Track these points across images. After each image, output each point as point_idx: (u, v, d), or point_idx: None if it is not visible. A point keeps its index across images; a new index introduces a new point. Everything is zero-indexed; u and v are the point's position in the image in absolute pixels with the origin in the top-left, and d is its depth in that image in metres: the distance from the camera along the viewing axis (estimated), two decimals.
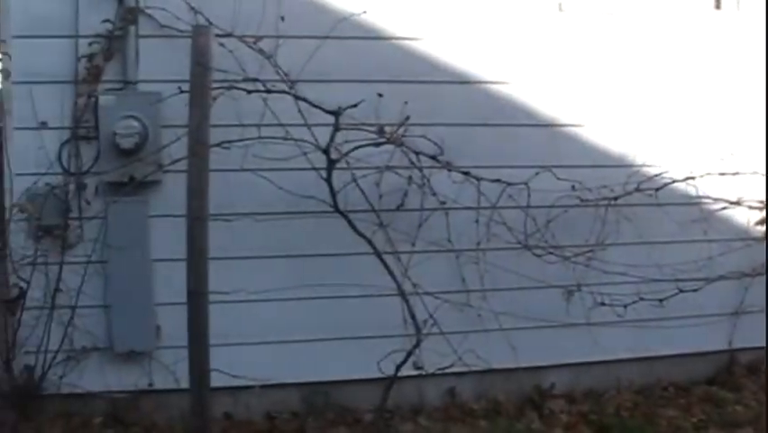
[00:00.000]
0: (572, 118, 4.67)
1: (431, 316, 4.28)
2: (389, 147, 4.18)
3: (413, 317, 4.18)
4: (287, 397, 4.44)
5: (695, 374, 4.99)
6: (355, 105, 4.00)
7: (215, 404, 3.88)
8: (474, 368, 4.42)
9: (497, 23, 4.57)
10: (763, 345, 4.87)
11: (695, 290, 4.71)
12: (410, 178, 4.31)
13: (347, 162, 4.11)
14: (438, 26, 4.47)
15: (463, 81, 4.50)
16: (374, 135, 4.11)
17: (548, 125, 4.64)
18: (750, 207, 4.93)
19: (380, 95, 4.20)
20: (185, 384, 3.43)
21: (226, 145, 3.88)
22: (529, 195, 4.40)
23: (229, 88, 3.93)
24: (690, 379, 4.96)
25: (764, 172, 4.82)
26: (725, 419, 4.48)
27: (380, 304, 4.27)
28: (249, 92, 4.02)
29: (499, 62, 4.56)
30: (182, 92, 3.49)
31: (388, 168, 4.24)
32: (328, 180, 4.09)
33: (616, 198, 4.57)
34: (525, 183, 4.40)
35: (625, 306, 4.62)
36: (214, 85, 3.54)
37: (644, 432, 4.27)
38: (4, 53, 4.13)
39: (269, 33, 4.11)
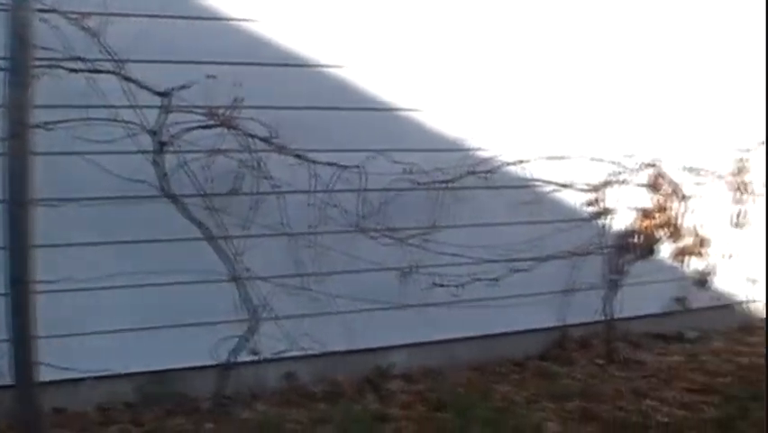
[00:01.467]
0: (408, 102, 4.83)
1: (266, 300, 4.38)
2: (221, 130, 4.23)
3: (247, 301, 4.28)
4: (121, 388, 4.40)
5: (529, 350, 5.29)
6: (185, 87, 4.04)
7: (46, 398, 3.82)
8: (312, 351, 4.53)
9: (333, 4, 4.68)
10: (593, 319, 5.22)
11: (526, 270, 5.00)
12: (242, 161, 4.35)
13: (178, 145, 4.14)
14: (273, 7, 4.52)
15: (298, 64, 4.57)
16: (205, 118, 4.15)
17: (384, 109, 4.78)
18: (579, 190, 5.23)
19: (212, 76, 4.20)
20: (10, 380, 3.44)
21: (50, 126, 3.84)
22: (364, 178, 4.53)
23: (52, 67, 3.86)
24: (524, 355, 5.27)
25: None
26: (556, 392, 4.76)
27: (215, 290, 4.33)
28: (73, 71, 3.96)
29: (335, 45, 4.67)
30: (1, 70, 3.43)
31: (220, 151, 4.27)
32: (158, 164, 4.11)
33: (450, 181, 4.77)
34: (360, 166, 4.53)
35: (460, 286, 4.84)
36: (37, 63, 3.49)
37: (479, 407, 4.47)
38: None
39: (97, 10, 4.03)
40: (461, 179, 4.81)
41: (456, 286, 4.84)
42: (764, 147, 5.61)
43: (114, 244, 4.28)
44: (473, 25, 5.00)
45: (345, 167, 4.52)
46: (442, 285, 4.82)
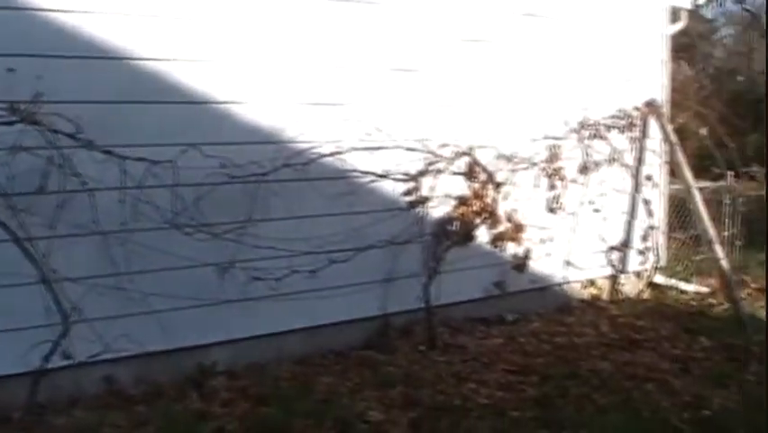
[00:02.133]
0: (222, 96, 4.86)
1: (78, 302, 4.33)
2: (24, 126, 4.13)
3: (58, 304, 4.20)
4: None
5: (352, 340, 5.41)
6: None
7: None
8: (130, 353, 4.50)
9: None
10: (414, 307, 5.42)
11: (345, 261, 5.12)
12: (48, 158, 4.25)
13: None
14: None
15: (107, 57, 4.52)
16: (5, 113, 4.05)
17: (197, 103, 4.79)
18: (395, 180, 5.39)
19: (12, 69, 4.13)
20: None
21: None
22: (177, 173, 4.51)
23: None
24: (347, 345, 5.38)
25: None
26: (379, 381, 4.89)
27: (23, 293, 4.24)
28: None
29: (147, 38, 4.64)
30: None
31: (23, 148, 4.16)
32: None
33: (265, 174, 4.81)
34: (172, 161, 4.51)
35: (279, 279, 4.91)
36: None
37: (301, 400, 4.55)
38: None
39: None
40: (277, 172, 4.85)
41: (275, 279, 4.90)
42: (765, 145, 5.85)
43: None
44: (286, 18, 5.08)
45: (157, 162, 4.49)
46: (261, 279, 4.86)
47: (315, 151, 5.05)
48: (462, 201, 5.75)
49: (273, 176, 4.84)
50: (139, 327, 4.52)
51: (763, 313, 6.60)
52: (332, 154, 5.10)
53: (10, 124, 4.08)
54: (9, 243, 4.15)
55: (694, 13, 7.22)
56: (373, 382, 4.89)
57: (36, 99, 4.10)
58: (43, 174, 4.27)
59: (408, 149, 5.37)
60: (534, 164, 6.26)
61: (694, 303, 7.06)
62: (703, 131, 7.62)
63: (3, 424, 4.23)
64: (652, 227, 7.08)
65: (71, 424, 4.26)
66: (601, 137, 6.63)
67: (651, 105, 6.93)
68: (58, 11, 4.39)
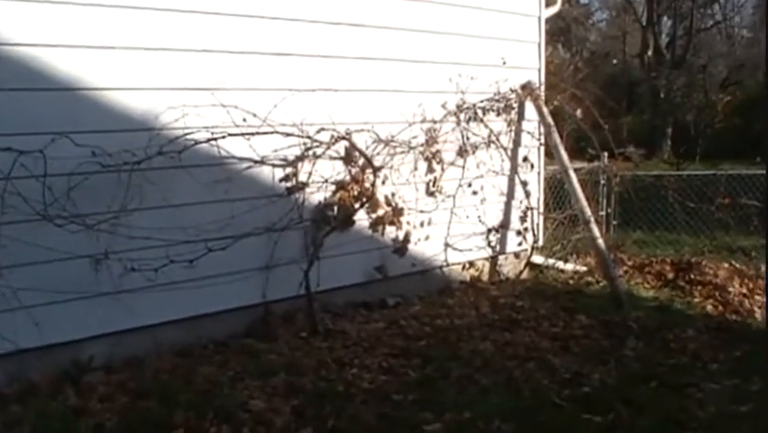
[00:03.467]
0: (92, 82, 4.84)
1: None
2: None
3: None
4: None
5: (234, 329, 5.49)
6: None
7: None
8: (2, 351, 4.48)
9: None
10: (295, 294, 5.54)
11: (224, 249, 5.19)
12: None
13: None
14: None
15: None
16: None
17: (66, 89, 4.75)
18: (273, 165, 5.50)
19: None
20: None
21: None
22: (46, 163, 4.49)
23: None
24: (228, 334, 5.45)
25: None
26: (260, 369, 4.97)
27: None
28: None
29: (9, 22, 4.57)
30: None
31: None
32: None
33: (138, 162, 4.83)
34: (41, 151, 4.48)
35: (156, 270, 4.94)
36: None
37: (182, 392, 4.59)
38: None
39: None
40: (151, 160, 4.88)
41: (152, 270, 4.93)
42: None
43: None
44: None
45: (25, 152, 4.46)
46: (137, 270, 4.89)
47: (190, 137, 5.09)
48: (341, 186, 5.90)
49: (147, 164, 4.86)
50: (10, 324, 4.49)
51: (639, 290, 6.99)
52: (207, 141, 5.15)
53: None
54: None
55: None
56: (255, 370, 4.96)
57: None
58: None
59: (285, 134, 5.48)
60: (413, 148, 6.44)
61: (572, 282, 7.42)
62: (578, 113, 7.95)
63: None
64: (529, 208, 7.38)
65: None
66: (479, 120, 6.87)
67: (527, 88, 7.24)
68: None
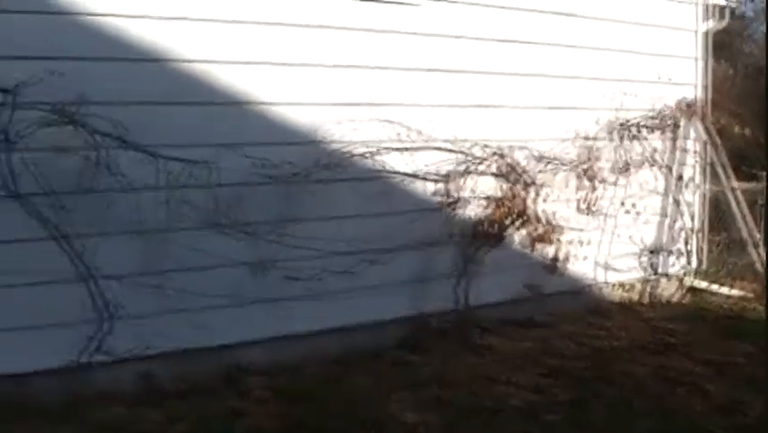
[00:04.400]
0: (259, 96, 5.08)
1: (119, 300, 4.57)
2: (68, 127, 4.38)
3: (100, 301, 4.47)
4: None
5: (386, 341, 5.61)
6: (30, 84, 4.20)
7: None
8: (168, 350, 4.73)
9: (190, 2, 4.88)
10: (449, 308, 5.63)
11: (379, 261, 5.35)
12: (91, 158, 4.49)
13: (24, 143, 4.28)
14: (123, 2, 4.69)
15: (147, 59, 4.74)
16: (52, 114, 4.30)
17: (235, 103, 5.01)
18: (428, 180, 5.62)
19: (57, 72, 4.34)
20: None
21: None
22: (216, 173, 4.75)
23: None
24: (382, 345, 5.57)
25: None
26: (412, 381, 5.06)
27: (66, 290, 4.48)
28: None
29: (186, 40, 4.87)
30: None
31: (67, 148, 4.41)
32: (3, 162, 4.25)
33: (301, 174, 5.05)
34: (212, 161, 4.74)
35: (315, 279, 5.14)
36: None
37: (335, 400, 4.74)
38: None
39: None
40: (313, 173, 5.09)
41: (311, 279, 5.13)
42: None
43: None
44: (322, 19, 5.31)
45: (196, 162, 4.72)
46: (296, 279, 5.09)
47: (349, 151, 5.28)
48: (495, 202, 5.95)
49: (309, 176, 5.08)
50: (176, 325, 4.74)
51: None
52: (366, 155, 5.33)
53: (56, 125, 4.33)
54: (52, 241, 4.39)
55: (730, 11, 7.35)
56: (406, 382, 5.04)
57: (80, 101, 4.35)
58: (86, 174, 4.51)
59: (441, 149, 5.59)
60: (568, 164, 6.43)
61: (731, 307, 7.16)
62: (741, 130, 7.73)
63: (42, 417, 4.43)
64: (689, 229, 7.21)
65: (109, 419, 4.46)
66: (636, 137, 6.78)
67: (688, 105, 7.08)
68: (100, 15, 4.63)
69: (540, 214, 6.29)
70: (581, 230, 6.59)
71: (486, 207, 5.95)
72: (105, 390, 4.69)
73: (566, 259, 6.51)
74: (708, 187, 7.47)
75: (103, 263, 4.54)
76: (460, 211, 5.82)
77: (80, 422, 4.41)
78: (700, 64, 7.33)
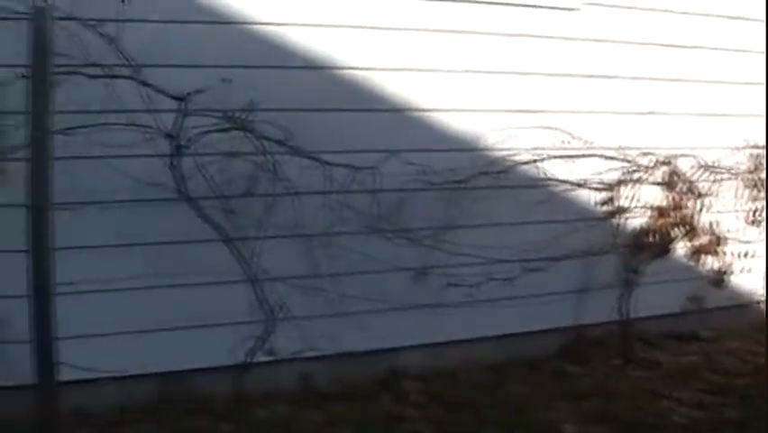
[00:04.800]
0: (423, 103, 5.05)
1: (282, 301, 4.62)
2: (237, 133, 4.46)
3: (264, 302, 4.53)
4: (141, 388, 4.61)
5: (544, 350, 5.50)
6: (201, 91, 4.28)
7: (66, 398, 4.06)
8: (328, 352, 4.75)
9: (348, 7, 4.90)
10: (609, 319, 5.44)
11: (540, 270, 5.22)
12: (258, 163, 4.56)
13: (195, 149, 4.38)
14: (286, 10, 4.75)
15: (312, 66, 4.79)
16: (221, 121, 4.38)
17: (398, 110, 5.00)
18: (592, 189, 5.47)
19: (228, 80, 4.44)
20: (31, 380, 3.62)
21: (69, 132, 4.08)
22: (378, 179, 4.74)
23: (71, 74, 4.10)
24: (540, 355, 5.46)
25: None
26: (572, 393, 4.96)
27: (232, 291, 4.56)
28: (92, 77, 4.20)
29: (349, 47, 4.89)
30: (22, 77, 3.68)
31: (236, 154, 4.50)
32: (175, 167, 4.35)
33: (463, 181, 4.99)
34: (375, 167, 4.74)
35: (474, 286, 5.06)
36: (56, 70, 3.70)
37: (493, 408, 4.67)
38: None
39: (113, 17, 4.27)
40: (475, 179, 5.02)
41: (471, 286, 5.06)
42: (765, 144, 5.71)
43: (132, 246, 4.50)
44: (482, 25, 5.23)
45: (359, 168, 4.73)
46: (456, 285, 5.03)
47: (512, 158, 5.19)
48: (661, 212, 5.72)
49: (471, 183, 5.00)
50: (337, 328, 4.75)
51: None
52: (529, 162, 5.23)
53: (225, 131, 4.39)
54: (219, 243, 4.47)
55: None
56: (566, 393, 4.95)
57: (249, 108, 4.42)
58: (253, 178, 4.59)
59: (606, 157, 5.43)
60: (735, 174, 6.13)
61: None
62: None
63: (208, 413, 4.55)
64: None
65: (271, 417, 4.55)
66: None
67: None
68: (267, 23, 4.70)
69: (705, 224, 5.99)
70: (748, 242, 6.25)
71: (649, 217, 5.73)
72: (266, 389, 4.77)
73: (731, 272, 6.17)
74: None
75: (268, 266, 4.60)
76: (623, 220, 5.64)
77: (243, 420, 4.49)
78: None
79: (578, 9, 5.46)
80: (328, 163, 4.68)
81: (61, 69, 3.92)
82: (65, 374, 3.75)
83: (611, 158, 5.46)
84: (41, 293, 3.80)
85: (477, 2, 5.21)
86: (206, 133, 4.38)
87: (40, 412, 3.75)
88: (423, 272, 4.99)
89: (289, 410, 4.66)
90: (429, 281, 5.01)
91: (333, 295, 4.78)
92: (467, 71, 5.17)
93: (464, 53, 5.17)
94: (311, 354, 4.71)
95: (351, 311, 4.80)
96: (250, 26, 4.69)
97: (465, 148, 5.12)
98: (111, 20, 4.26)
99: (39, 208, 3.72)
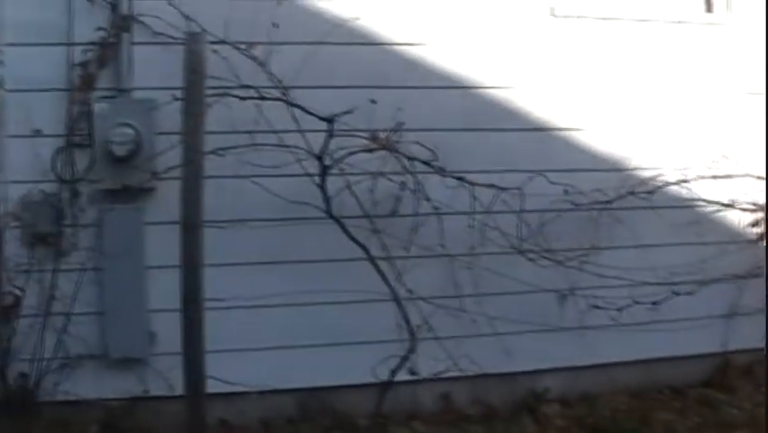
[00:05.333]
0: (566, 122, 4.94)
1: (425, 321, 4.53)
2: (383, 153, 4.43)
3: (407, 322, 4.44)
4: (282, 403, 4.66)
5: (690, 376, 5.26)
6: (349, 112, 4.28)
7: (211, 410, 4.03)
8: (469, 373, 4.65)
9: (491, 27, 4.85)
10: (759, 346, 5.13)
11: (688, 293, 4.99)
12: (403, 183, 4.54)
13: (340, 169, 4.38)
14: (432, 31, 4.74)
15: (458, 86, 4.76)
16: (367, 141, 4.36)
17: (542, 129, 4.90)
18: (742, 210, 5.19)
19: (374, 101, 4.44)
20: (180, 391, 3.64)
21: (220, 152, 4.16)
22: (523, 199, 4.64)
23: (223, 95, 4.20)
24: (685, 381, 5.24)
25: (764, 175, 5.05)
26: (720, 421, 4.73)
27: (375, 310, 4.52)
28: (242, 99, 4.28)
29: (494, 67, 4.83)
30: (176, 99, 3.75)
31: (382, 174, 4.48)
32: (322, 187, 4.35)
33: (609, 202, 4.83)
34: (519, 188, 4.64)
35: (619, 309, 4.87)
36: (208, 92, 3.73)
37: None
38: None
39: (263, 40, 4.35)
40: (621, 200, 4.86)
41: (615, 309, 4.87)
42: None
43: (279, 264, 4.56)
44: (625, 43, 5.08)
45: (504, 188, 4.65)
46: (600, 308, 4.86)
47: (659, 178, 5.01)
48: None
49: (617, 204, 4.85)
50: (479, 349, 4.66)
51: None
52: (677, 182, 5.04)
53: (371, 151, 4.36)
54: (364, 262, 4.42)
55: None
56: (713, 422, 4.74)
57: (397, 128, 4.40)
58: (398, 198, 4.56)
59: (757, 177, 5.16)
60: None
61: None
62: None
63: (350, 430, 4.56)
64: None
65: None
66: None
67: None
68: (411, 44, 4.72)
69: None
70: None
71: None
72: (406, 408, 4.74)
73: None
74: None
75: (412, 285, 4.55)
76: None
77: None
78: None
79: (724, 24, 5.26)
80: (473, 183, 4.61)
81: (213, 92, 3.96)
82: (211, 387, 3.74)
83: (762, 178, 5.14)
84: (191, 308, 3.80)
85: (622, 18, 5.07)
86: (353, 153, 4.37)
87: (188, 422, 3.76)
88: (567, 294, 4.84)
89: (428, 430, 4.62)
90: (573, 304, 4.86)
91: (476, 316, 4.71)
92: (611, 90, 5.02)
93: (609, 71, 5.04)
94: (452, 374, 4.63)
95: (493, 332, 4.72)
96: (394, 47, 4.71)
97: (611, 168, 4.97)
98: (261, 43, 4.34)
99: (190, 226, 3.72)
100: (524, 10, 4.90)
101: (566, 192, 4.74)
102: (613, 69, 5.03)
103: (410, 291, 4.53)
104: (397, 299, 4.43)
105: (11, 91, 4.31)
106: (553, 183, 4.70)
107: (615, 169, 4.97)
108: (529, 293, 4.77)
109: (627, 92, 5.05)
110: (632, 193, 4.89)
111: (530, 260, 4.72)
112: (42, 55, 4.33)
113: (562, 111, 4.93)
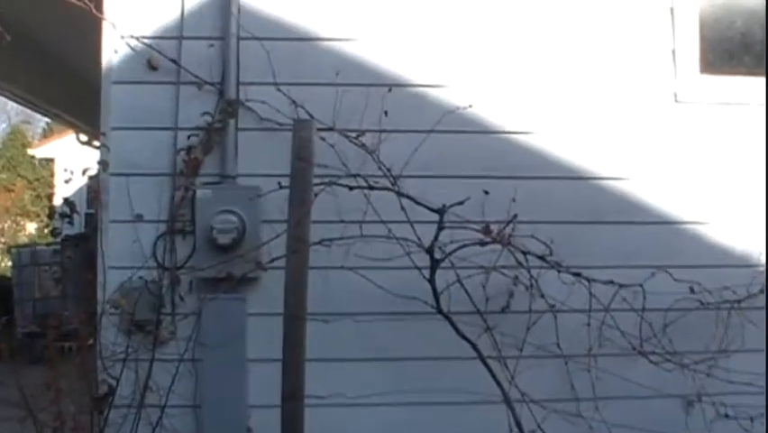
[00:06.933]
0: (691, 215, 4.61)
1: (538, 426, 4.22)
2: (495, 246, 4.18)
3: (519, 426, 4.12)
4: None
5: None
6: (461, 203, 4.08)
7: None
8: None
9: (609, 115, 4.60)
10: None
11: None
12: (517, 278, 4.29)
13: (451, 262, 4.13)
14: (548, 119, 4.52)
15: (573, 177, 4.51)
16: (480, 234, 4.13)
17: (665, 223, 4.59)
18: None
19: (486, 192, 4.29)
20: None
21: (326, 243, 3.99)
22: (644, 297, 4.32)
23: (330, 184, 4.05)
24: None
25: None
26: None
27: (485, 412, 4.23)
28: (351, 188, 4.12)
29: (611, 157, 4.57)
30: (282, 187, 3.63)
31: (494, 268, 4.24)
32: (431, 281, 4.10)
33: (739, 301, 4.46)
34: (640, 285, 4.33)
35: (751, 419, 4.47)
36: (315, 180, 3.60)
37: None
38: (102, 145, 4.31)
39: (372, 128, 4.23)
40: (752, 299, 4.47)
41: (747, 418, 4.47)
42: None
43: (385, 360, 4.35)
44: (756, 128, 4.71)
45: (624, 285, 4.33)
46: (730, 417, 4.47)
47: None
48: None
49: (747, 302, 4.47)
50: None
51: None
52: None
53: (483, 244, 4.14)
54: (476, 361, 4.16)
55: None
56: None
57: (510, 220, 4.17)
58: (511, 294, 4.32)
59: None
60: None
61: None
62: None
63: None
64: None
65: None
66: None
67: None
68: (522, 133, 4.52)
69: None
70: None
71: None
72: None
73: None
74: None
75: (524, 387, 4.27)
76: None
77: None
78: None
79: None
80: (590, 280, 4.30)
81: (320, 180, 3.83)
82: None
83: None
84: (291, 405, 3.63)
85: (748, 103, 4.70)
86: (464, 246, 4.13)
87: None
88: (693, 401, 4.47)
89: None
90: (700, 411, 4.48)
91: (594, 421, 4.36)
92: (738, 178, 4.68)
93: (735, 158, 4.70)
94: None
95: None
96: (507, 135, 4.51)
97: (740, 263, 4.58)
98: (370, 130, 4.23)
99: (293, 318, 3.57)
100: (646, 96, 4.62)
101: (692, 290, 4.40)
102: (738, 157, 4.70)
103: (523, 394, 4.24)
104: (508, 402, 4.13)
105: (114, 175, 4.28)
106: (676, 280, 4.36)
107: (744, 265, 4.59)
108: (651, 398, 4.41)
109: (755, 181, 4.69)
110: (763, 291, 4.50)
111: (652, 362, 4.37)
112: (147, 139, 4.29)
113: (686, 203, 4.62)
